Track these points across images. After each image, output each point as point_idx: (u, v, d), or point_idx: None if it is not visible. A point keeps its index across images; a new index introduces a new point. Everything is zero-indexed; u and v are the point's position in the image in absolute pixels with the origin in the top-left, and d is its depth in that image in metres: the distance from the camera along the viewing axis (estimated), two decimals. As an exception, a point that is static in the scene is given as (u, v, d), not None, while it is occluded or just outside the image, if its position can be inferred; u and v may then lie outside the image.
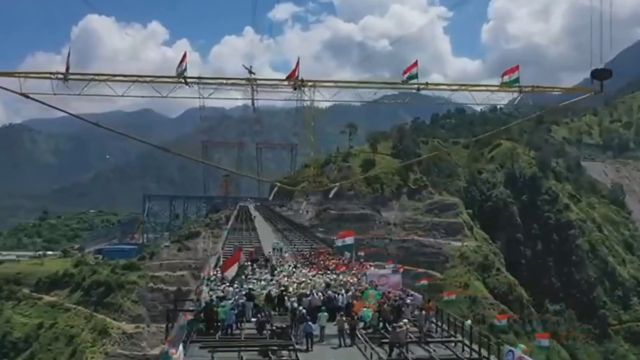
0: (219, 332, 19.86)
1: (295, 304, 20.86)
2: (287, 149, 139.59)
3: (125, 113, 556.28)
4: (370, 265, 29.95)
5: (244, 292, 22.63)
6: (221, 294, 22.56)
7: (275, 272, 28.44)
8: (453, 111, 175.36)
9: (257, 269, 29.39)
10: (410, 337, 18.89)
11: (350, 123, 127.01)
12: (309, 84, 20.77)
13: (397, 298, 22.51)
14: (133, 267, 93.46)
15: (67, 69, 20.14)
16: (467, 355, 18.27)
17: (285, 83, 21.74)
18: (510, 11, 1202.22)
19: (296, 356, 17.46)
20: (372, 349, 18.25)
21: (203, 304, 21.05)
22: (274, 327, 19.17)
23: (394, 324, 18.98)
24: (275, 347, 17.72)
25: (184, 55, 20.27)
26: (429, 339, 19.61)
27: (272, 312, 21.41)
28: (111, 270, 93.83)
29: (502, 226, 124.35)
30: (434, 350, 18.75)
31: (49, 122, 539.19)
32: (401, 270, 28.12)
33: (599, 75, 22.29)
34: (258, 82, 25.02)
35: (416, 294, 24.09)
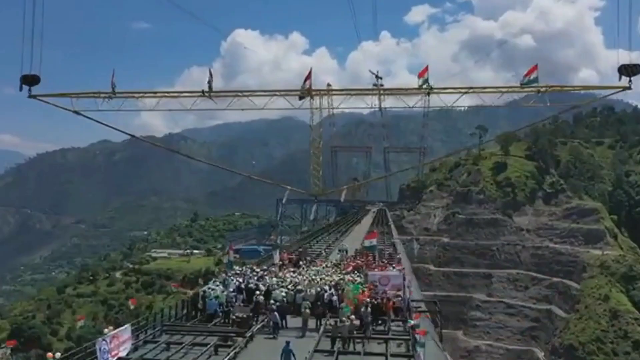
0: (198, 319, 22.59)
1: (261, 298, 22.59)
2: (416, 152, 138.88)
3: (269, 121, 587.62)
4: (381, 267, 30.09)
5: (232, 287, 24.48)
6: (215, 286, 24.65)
7: (296, 270, 29.88)
8: (600, 109, 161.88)
9: (286, 268, 31.14)
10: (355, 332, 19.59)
11: (480, 125, 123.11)
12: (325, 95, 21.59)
13: (383, 297, 22.97)
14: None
15: (113, 89, 23.30)
16: (402, 351, 18.56)
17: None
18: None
19: (245, 344, 19.23)
20: (319, 340, 19.43)
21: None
22: (235, 317, 21.08)
23: (336, 319, 20.16)
24: (233, 334, 19.60)
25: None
26: (374, 335, 19.92)
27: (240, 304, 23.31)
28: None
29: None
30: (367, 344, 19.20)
31: (203, 131, 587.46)
32: (403, 271, 27.85)
33: (627, 70, 20.81)
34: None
35: (408, 294, 24.32)
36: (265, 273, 28.17)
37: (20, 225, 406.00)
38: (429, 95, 23.89)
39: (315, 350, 18.18)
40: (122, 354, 17.10)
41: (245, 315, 21.07)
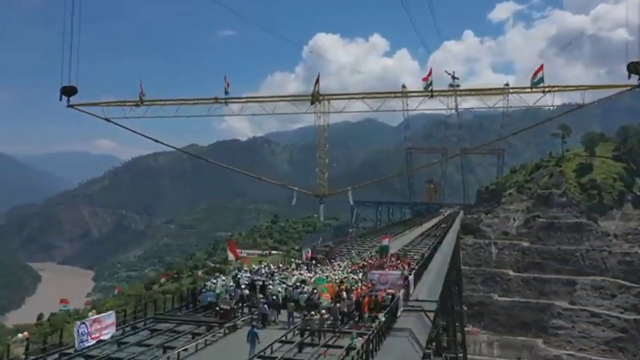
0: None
1: (246, 292, 24.33)
2: (494, 154, 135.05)
3: (350, 123, 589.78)
4: (392, 267, 30.48)
5: (232, 281, 25.98)
6: (221, 281, 26.26)
7: (309, 269, 31.16)
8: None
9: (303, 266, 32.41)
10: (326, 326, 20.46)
11: (563, 125, 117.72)
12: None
13: (372, 295, 23.63)
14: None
15: (141, 98, 24.98)
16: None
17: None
18: None
19: (226, 332, 20.78)
20: (293, 332, 20.57)
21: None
22: (219, 308, 22.63)
23: (306, 313, 21.31)
24: (215, 324, 21.36)
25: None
26: (344, 329, 20.39)
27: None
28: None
29: None
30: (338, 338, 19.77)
31: (285, 135, 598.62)
32: (405, 269, 28.55)
33: (636, 68, 19.73)
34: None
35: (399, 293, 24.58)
36: (277, 270, 29.31)
37: (117, 225, 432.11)
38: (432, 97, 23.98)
39: (281, 341, 19.19)
40: (105, 337, 18.44)
41: (228, 307, 22.64)
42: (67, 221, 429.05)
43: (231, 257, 26.03)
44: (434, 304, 26.15)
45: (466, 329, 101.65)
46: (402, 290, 24.87)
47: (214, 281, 25.85)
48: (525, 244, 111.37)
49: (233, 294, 24.24)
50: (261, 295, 23.69)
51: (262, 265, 30.83)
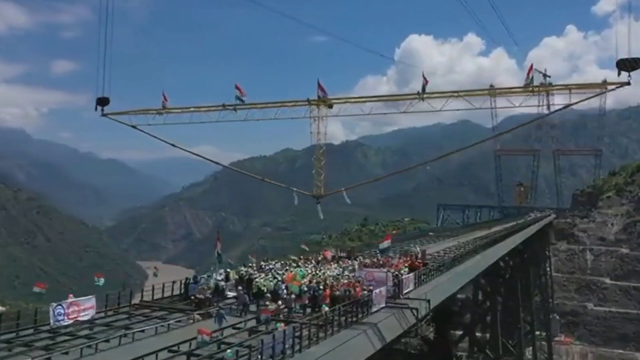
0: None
1: (222, 283, 26.01)
2: (591, 155, 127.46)
3: (445, 125, 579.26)
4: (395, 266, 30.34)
5: (221, 275, 27.19)
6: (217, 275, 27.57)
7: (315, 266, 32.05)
8: None
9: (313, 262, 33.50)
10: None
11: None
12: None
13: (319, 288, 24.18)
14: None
15: (164, 104, 26.89)
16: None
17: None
18: None
19: (198, 319, 21.90)
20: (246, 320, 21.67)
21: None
22: (194, 297, 24.32)
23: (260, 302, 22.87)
24: (189, 311, 22.93)
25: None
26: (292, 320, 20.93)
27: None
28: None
29: None
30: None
31: (378, 138, 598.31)
32: (392, 270, 28.06)
33: (626, 64, 18.57)
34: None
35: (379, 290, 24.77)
36: (278, 266, 30.51)
37: (217, 226, 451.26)
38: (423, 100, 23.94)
39: (233, 327, 20.37)
40: (84, 318, 20.33)
41: (203, 296, 24.32)
42: (172, 223, 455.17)
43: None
44: (424, 302, 26.10)
45: (557, 338, 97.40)
46: (382, 288, 25.12)
47: (209, 275, 27.39)
48: (624, 251, 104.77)
49: (205, 286, 25.76)
50: (240, 287, 24.98)
51: (272, 262, 32.29)
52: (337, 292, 23.81)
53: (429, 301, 25.72)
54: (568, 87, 21.83)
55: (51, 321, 19.26)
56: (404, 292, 27.18)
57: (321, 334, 19.73)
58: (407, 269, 29.96)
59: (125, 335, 19.14)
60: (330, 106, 26.17)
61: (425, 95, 24.18)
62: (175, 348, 17.23)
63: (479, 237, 60.06)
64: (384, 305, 24.64)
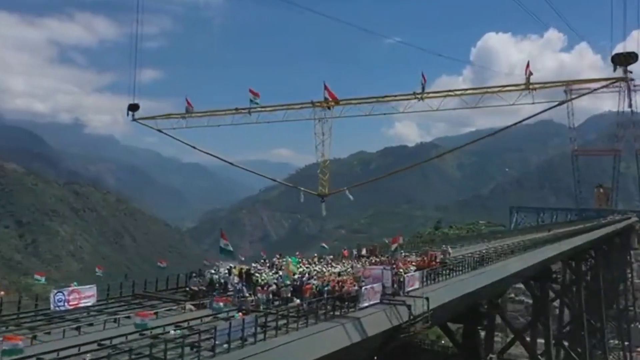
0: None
1: (216, 277, 27.39)
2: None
3: (525, 125, 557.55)
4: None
5: (226, 269, 28.40)
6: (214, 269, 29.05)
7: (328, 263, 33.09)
8: None
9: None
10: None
11: None
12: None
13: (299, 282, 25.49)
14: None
15: (187, 109, 29.00)
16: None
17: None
18: None
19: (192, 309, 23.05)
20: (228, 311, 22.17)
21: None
22: (189, 289, 25.84)
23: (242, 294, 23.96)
24: (182, 301, 24.29)
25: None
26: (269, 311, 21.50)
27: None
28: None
29: None
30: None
31: (454, 139, 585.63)
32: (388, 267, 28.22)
33: (621, 59, 18.09)
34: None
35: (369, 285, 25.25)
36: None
37: (293, 229, 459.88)
38: (422, 100, 24.23)
39: (214, 316, 21.53)
40: (86, 304, 21.97)
41: (197, 288, 25.76)
42: (249, 224, 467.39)
43: (230, 247, 28.44)
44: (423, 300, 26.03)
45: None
46: (376, 284, 25.69)
47: (215, 269, 28.91)
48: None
49: (200, 279, 27.30)
50: (236, 280, 26.55)
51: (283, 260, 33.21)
52: (317, 286, 24.91)
53: (427, 299, 25.78)
54: (565, 83, 21.89)
55: (51, 306, 21.11)
56: (408, 289, 27.62)
57: (293, 325, 20.48)
58: (414, 268, 30.73)
59: (114, 320, 20.55)
60: (329, 108, 26.83)
61: (424, 95, 24.41)
62: (148, 332, 18.24)
63: (531, 238, 59.11)
64: (377, 301, 25.20)
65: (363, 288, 24.80)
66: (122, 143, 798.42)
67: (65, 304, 21.44)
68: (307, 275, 27.38)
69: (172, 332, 17.63)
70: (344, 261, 34.63)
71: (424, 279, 30.19)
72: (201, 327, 19.14)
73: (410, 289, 27.87)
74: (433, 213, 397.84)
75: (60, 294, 21.56)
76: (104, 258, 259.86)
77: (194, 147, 32.21)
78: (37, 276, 29.14)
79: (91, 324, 20.05)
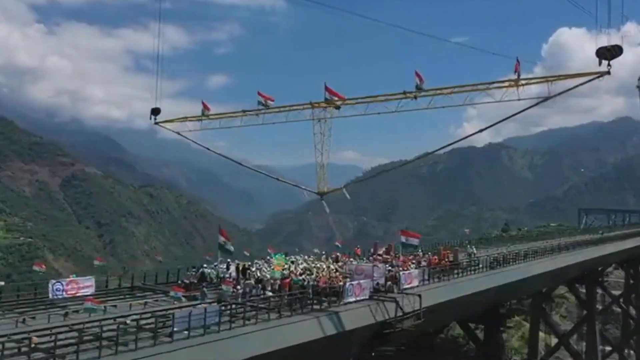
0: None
1: (208, 271, 28.83)
2: None
3: (601, 124, 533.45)
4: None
5: (233, 265, 29.16)
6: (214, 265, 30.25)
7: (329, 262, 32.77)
8: None
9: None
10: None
11: None
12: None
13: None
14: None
15: (203, 112, 30.18)
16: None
17: None
18: None
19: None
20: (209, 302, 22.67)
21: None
22: (181, 282, 26.85)
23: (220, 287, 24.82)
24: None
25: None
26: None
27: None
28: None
29: None
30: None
31: (525, 139, 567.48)
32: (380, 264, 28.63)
33: (605, 53, 17.83)
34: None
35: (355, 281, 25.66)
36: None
37: (358, 231, 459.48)
38: (416, 99, 23.81)
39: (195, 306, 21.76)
40: (85, 293, 22.91)
41: (189, 281, 26.79)
42: (315, 226, 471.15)
43: (230, 246, 28.62)
44: (415, 297, 26.03)
45: None
46: (364, 281, 26.04)
47: (214, 265, 29.93)
48: None
49: (193, 272, 28.54)
50: (228, 275, 27.67)
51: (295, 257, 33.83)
52: (297, 281, 25.62)
53: (419, 296, 25.96)
54: (547, 80, 21.36)
55: (50, 295, 22.45)
56: (405, 287, 27.87)
57: (263, 316, 21.27)
58: (413, 266, 31.19)
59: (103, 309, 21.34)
60: (338, 108, 27.03)
61: (417, 94, 24.35)
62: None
63: (576, 240, 57.32)
64: (366, 297, 25.56)
65: (347, 283, 25.31)
66: (193, 146, 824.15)
67: (64, 293, 22.85)
68: (292, 270, 28.16)
69: (128, 321, 18.46)
70: (351, 259, 34.75)
71: (428, 277, 30.61)
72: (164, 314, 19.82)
73: (408, 286, 28.12)
74: (503, 215, 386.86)
75: (59, 283, 23.04)
76: (176, 259, 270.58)
77: (208, 149, 33.90)
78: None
79: (77, 311, 20.94)
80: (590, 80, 20.54)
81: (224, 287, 24.19)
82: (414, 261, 32.97)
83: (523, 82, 21.82)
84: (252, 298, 23.74)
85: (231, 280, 26.40)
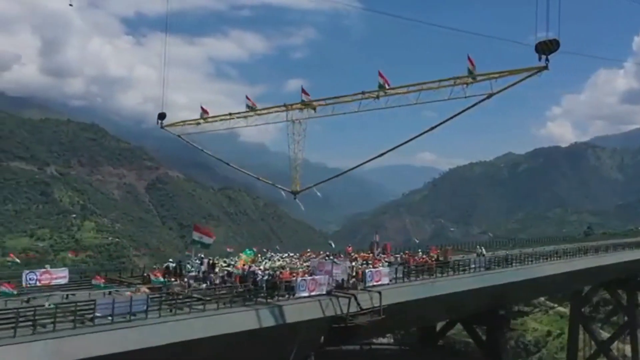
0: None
1: (172, 265, 29.76)
2: None
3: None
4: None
5: (206, 260, 29.60)
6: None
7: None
8: None
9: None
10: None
11: None
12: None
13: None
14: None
15: (201, 115, 31.30)
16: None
17: None
18: None
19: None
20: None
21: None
22: (146, 274, 27.87)
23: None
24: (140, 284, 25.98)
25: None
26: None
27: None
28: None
29: None
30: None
31: (613, 139, 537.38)
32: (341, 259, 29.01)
33: (543, 48, 18.03)
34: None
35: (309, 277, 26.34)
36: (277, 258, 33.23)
37: (435, 233, 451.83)
38: (378, 99, 23.78)
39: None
40: (58, 283, 24.11)
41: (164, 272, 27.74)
42: (391, 228, 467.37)
43: (207, 240, 29.01)
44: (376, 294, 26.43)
45: None
46: (320, 277, 26.40)
47: (190, 260, 30.58)
48: None
49: (158, 266, 29.74)
50: (204, 269, 28.73)
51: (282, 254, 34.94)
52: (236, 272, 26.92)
53: (380, 293, 26.21)
54: (489, 76, 21.07)
55: (23, 283, 23.71)
56: (371, 284, 28.17)
57: (199, 307, 21.99)
58: (386, 264, 31.56)
59: (65, 296, 22.57)
60: (314, 109, 27.27)
61: (381, 94, 24.35)
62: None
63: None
64: (322, 292, 25.98)
65: (299, 279, 25.96)
66: (272, 150, 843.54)
67: (37, 282, 24.28)
68: (253, 267, 29.09)
69: (46, 304, 19.56)
70: (347, 259, 35.29)
71: (402, 276, 30.82)
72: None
73: (376, 284, 28.48)
74: (589, 218, 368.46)
75: (32, 273, 24.54)
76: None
77: (202, 150, 36.95)
78: (10, 259, 32.79)
79: (47, 300, 21.56)
80: (529, 76, 20.31)
81: (152, 277, 25.68)
82: (387, 260, 33.54)
83: (469, 80, 21.50)
84: (194, 290, 24.63)
85: (159, 271, 27.89)
